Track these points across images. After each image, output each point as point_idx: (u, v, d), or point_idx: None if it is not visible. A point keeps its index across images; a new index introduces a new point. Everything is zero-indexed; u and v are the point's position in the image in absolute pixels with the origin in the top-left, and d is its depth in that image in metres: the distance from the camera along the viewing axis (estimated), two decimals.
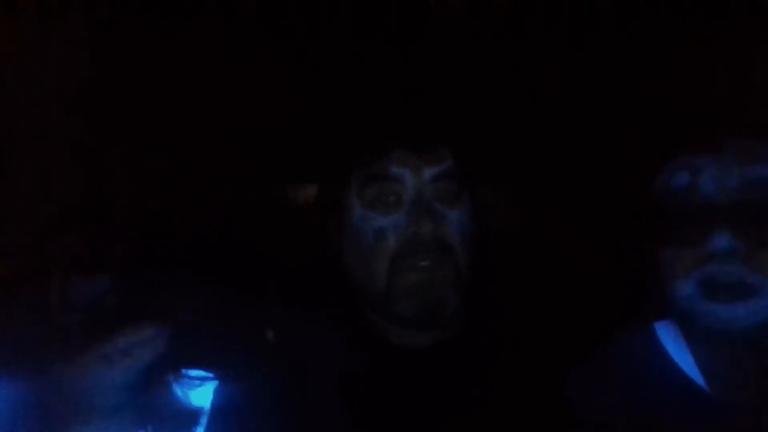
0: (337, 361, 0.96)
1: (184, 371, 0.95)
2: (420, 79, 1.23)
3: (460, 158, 0.99)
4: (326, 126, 1.20)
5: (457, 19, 1.19)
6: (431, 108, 1.07)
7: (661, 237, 0.84)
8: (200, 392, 0.95)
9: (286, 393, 0.95)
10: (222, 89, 1.26)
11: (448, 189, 0.96)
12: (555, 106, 1.27)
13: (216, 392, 0.97)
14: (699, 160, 0.82)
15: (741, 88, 0.86)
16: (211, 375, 0.96)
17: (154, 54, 1.22)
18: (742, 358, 0.81)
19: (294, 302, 1.09)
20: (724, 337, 0.79)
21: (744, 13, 1.02)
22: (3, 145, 1.09)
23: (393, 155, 0.95)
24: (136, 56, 1.23)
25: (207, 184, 1.24)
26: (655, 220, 0.85)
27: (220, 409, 0.96)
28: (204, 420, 0.93)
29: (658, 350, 0.89)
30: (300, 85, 1.27)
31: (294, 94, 1.27)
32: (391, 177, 0.95)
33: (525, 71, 1.26)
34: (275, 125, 1.27)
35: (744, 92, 0.85)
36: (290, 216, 1.34)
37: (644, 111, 0.96)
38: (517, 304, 1.05)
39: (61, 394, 0.83)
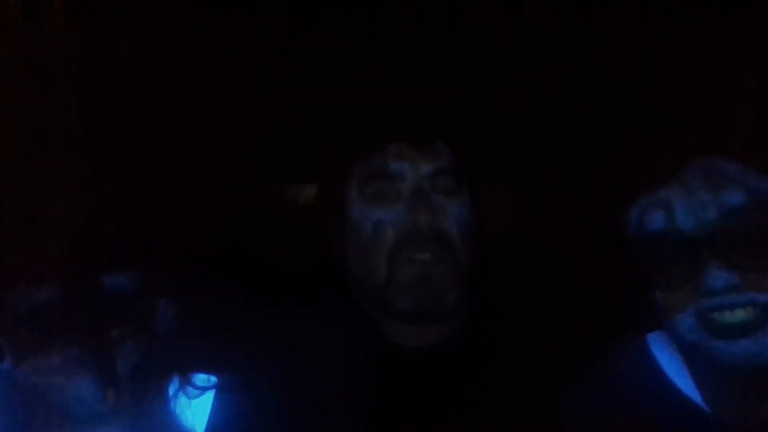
0: (336, 361, 0.96)
1: (186, 379, 0.93)
2: (419, 74, 1.23)
3: (460, 153, 0.99)
4: (325, 121, 1.21)
5: (457, 13, 1.20)
6: (430, 103, 1.07)
7: (646, 281, 0.81)
8: (200, 403, 0.94)
9: (286, 391, 0.95)
10: (218, 88, 1.27)
11: (447, 183, 0.96)
12: (555, 102, 1.27)
13: (216, 393, 0.96)
14: (668, 195, 0.79)
15: (699, 106, 0.85)
16: (211, 384, 0.95)
17: (152, 53, 1.23)
18: (740, 382, 0.79)
19: (294, 301, 1.09)
20: (736, 373, 0.76)
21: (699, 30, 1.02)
22: None
23: (391, 150, 0.96)
24: (135, 57, 1.23)
25: (204, 183, 1.25)
26: (637, 263, 0.82)
27: (220, 409, 0.95)
28: None
29: (651, 364, 0.87)
30: (298, 79, 1.28)
31: (292, 88, 1.28)
32: (390, 173, 0.95)
33: (525, 66, 1.27)
34: (272, 122, 1.28)
35: (702, 111, 0.84)
36: (289, 214, 1.34)
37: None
38: (517, 304, 1.05)
39: (29, 398, 0.84)
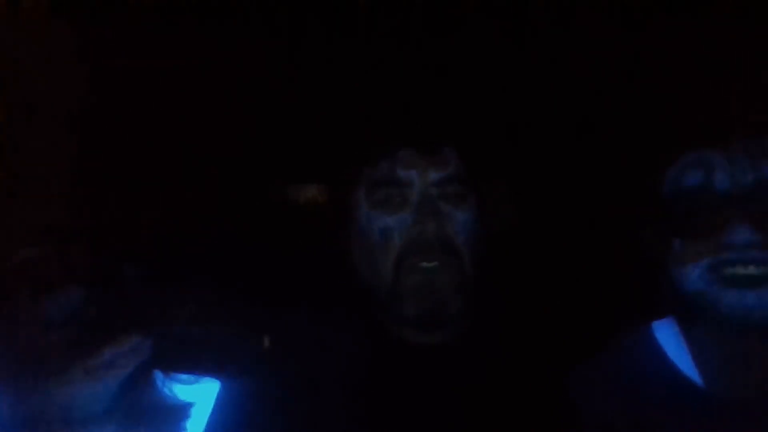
0: (343, 357, 0.97)
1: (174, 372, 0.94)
2: (426, 81, 1.24)
3: (467, 160, 1.00)
4: (335, 128, 1.21)
5: (463, 20, 1.20)
6: (438, 110, 1.07)
7: (670, 230, 0.84)
8: (189, 388, 0.95)
9: (294, 390, 0.95)
10: (229, 94, 1.27)
11: (454, 191, 0.97)
12: (561, 105, 1.28)
13: (221, 392, 0.96)
14: (711, 156, 0.82)
15: (751, 84, 0.87)
16: (203, 374, 0.96)
17: (158, 54, 1.23)
18: (742, 355, 0.81)
19: (303, 301, 1.10)
20: (740, 327, 0.79)
21: (755, 9, 1.03)
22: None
23: (399, 157, 0.96)
24: (138, 57, 1.23)
25: (215, 186, 1.25)
26: (665, 215, 0.85)
27: (226, 408, 0.96)
28: (191, 413, 0.92)
29: (656, 350, 0.89)
30: (307, 87, 1.28)
31: (301, 96, 1.28)
32: (397, 180, 0.96)
33: (530, 72, 1.27)
34: (284, 128, 1.28)
35: (754, 88, 0.86)
36: (299, 216, 1.34)
37: (653, 106, 0.98)
38: (522, 305, 1.06)
39: (45, 407, 0.82)
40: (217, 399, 0.96)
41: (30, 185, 1.01)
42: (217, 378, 0.97)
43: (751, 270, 0.76)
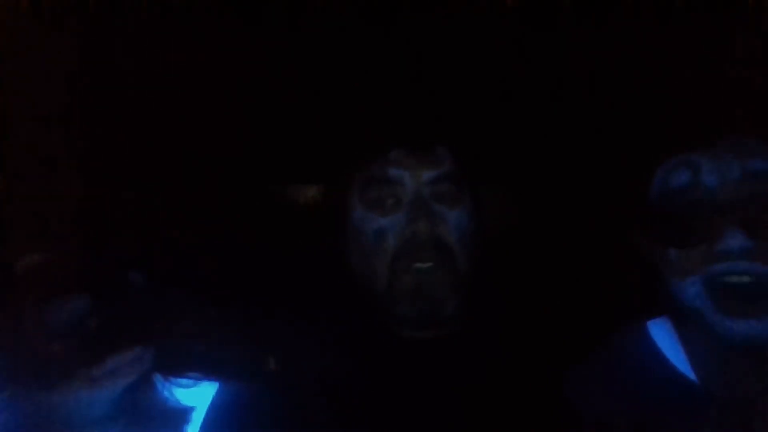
0: (343, 356, 0.97)
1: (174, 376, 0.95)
2: (419, 81, 1.23)
3: (460, 159, 1.00)
4: (328, 129, 1.21)
5: (456, 19, 1.20)
6: (430, 109, 1.07)
7: (663, 238, 0.84)
8: (189, 391, 0.95)
9: (291, 387, 0.96)
10: (224, 93, 1.27)
11: (446, 190, 0.97)
12: (553, 105, 1.27)
13: (218, 392, 0.97)
14: (697, 157, 0.82)
15: (735, 84, 0.86)
16: (204, 378, 0.96)
17: (155, 55, 1.23)
18: (736, 353, 0.81)
19: (296, 297, 1.11)
20: (733, 348, 0.79)
21: (739, 8, 1.02)
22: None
23: (392, 157, 0.96)
24: (137, 57, 1.23)
25: (211, 188, 1.26)
26: (656, 222, 0.85)
27: (225, 407, 0.96)
28: (193, 417, 0.93)
29: (652, 349, 0.90)
30: (301, 88, 1.28)
31: (295, 97, 1.28)
32: (390, 179, 0.96)
33: (524, 71, 1.27)
34: (279, 130, 1.28)
35: (738, 89, 0.86)
36: (296, 216, 1.35)
37: (641, 108, 0.97)
38: (517, 302, 1.07)
39: (47, 412, 0.83)
40: (215, 398, 0.96)
41: (33, 191, 1.03)
42: (217, 381, 0.97)
43: (746, 279, 0.76)
